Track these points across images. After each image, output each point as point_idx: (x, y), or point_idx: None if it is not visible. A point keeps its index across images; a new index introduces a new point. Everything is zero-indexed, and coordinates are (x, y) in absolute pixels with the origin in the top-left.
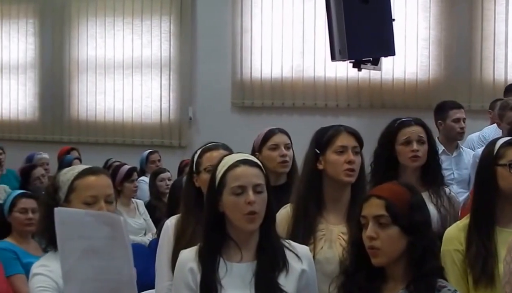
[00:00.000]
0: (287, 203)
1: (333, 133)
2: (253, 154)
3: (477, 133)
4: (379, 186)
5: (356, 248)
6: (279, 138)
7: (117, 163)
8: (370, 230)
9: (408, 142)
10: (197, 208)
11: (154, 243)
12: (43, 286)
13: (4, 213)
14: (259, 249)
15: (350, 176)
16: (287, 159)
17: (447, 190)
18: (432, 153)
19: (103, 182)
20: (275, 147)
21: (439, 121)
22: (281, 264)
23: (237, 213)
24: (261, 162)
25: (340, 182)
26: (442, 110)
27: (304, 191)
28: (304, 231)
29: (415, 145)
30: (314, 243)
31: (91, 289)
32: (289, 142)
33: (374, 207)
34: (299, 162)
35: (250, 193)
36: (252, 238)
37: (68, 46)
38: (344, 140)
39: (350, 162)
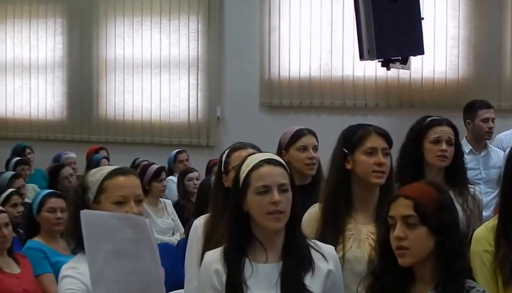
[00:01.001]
0: (311, 203)
1: (363, 134)
2: (279, 151)
3: (506, 132)
4: (407, 186)
5: (384, 248)
6: (308, 140)
7: (145, 162)
8: (398, 230)
9: (438, 141)
10: (226, 207)
11: (182, 243)
12: (73, 289)
13: (33, 212)
14: (285, 249)
15: (379, 177)
16: (314, 161)
17: (471, 189)
18: (458, 154)
19: (133, 182)
20: (304, 149)
21: (468, 120)
22: (307, 264)
23: (262, 213)
24: (287, 161)
25: (368, 183)
26: (471, 109)
27: (332, 190)
28: (333, 230)
29: (444, 145)
30: (343, 242)
31: (119, 291)
32: (317, 144)
33: (402, 207)
34: (328, 161)
35: (275, 192)
36: (277, 238)
37: (96, 46)
38: (374, 141)
39: (380, 164)
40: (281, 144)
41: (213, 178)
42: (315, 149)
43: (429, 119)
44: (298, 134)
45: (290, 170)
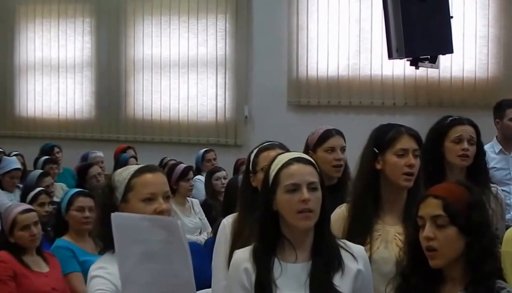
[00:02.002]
0: (336, 204)
1: (395, 135)
2: (306, 152)
3: None
4: (436, 186)
5: (413, 249)
6: (336, 141)
7: (172, 162)
8: (427, 231)
9: (459, 140)
10: (254, 207)
11: (210, 242)
12: (102, 289)
13: (61, 211)
14: (314, 249)
15: (408, 180)
16: (342, 163)
17: (493, 189)
18: (480, 153)
19: (160, 179)
20: (331, 150)
21: (497, 120)
22: (337, 264)
23: (291, 211)
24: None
25: (398, 185)
26: (499, 109)
27: (361, 190)
28: (361, 231)
29: (465, 144)
30: (370, 243)
31: None
32: (344, 144)
33: (431, 207)
34: (356, 161)
35: (304, 190)
36: (306, 238)
37: (124, 45)
38: (405, 143)
39: (410, 166)
40: (309, 145)
41: (240, 177)
42: (343, 150)
43: (450, 118)
44: (326, 135)
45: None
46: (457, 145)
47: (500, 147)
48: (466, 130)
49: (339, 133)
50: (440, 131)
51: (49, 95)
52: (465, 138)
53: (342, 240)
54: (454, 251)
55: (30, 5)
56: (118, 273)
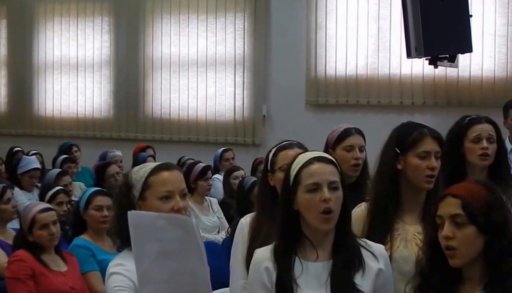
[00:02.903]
0: (356, 202)
1: (418, 136)
2: (325, 150)
3: None
4: (455, 185)
5: (432, 248)
6: (355, 140)
7: (190, 161)
8: (446, 230)
9: (478, 140)
10: (272, 206)
11: (228, 241)
12: (121, 286)
13: (79, 210)
14: (335, 248)
15: (430, 182)
16: (360, 162)
17: None
18: (501, 151)
19: (177, 177)
20: (350, 149)
21: (504, 120)
22: (357, 263)
23: (312, 211)
24: None
25: (419, 187)
26: (505, 109)
27: (381, 189)
28: (380, 230)
29: (485, 143)
30: (390, 242)
31: (166, 291)
32: (364, 144)
33: (450, 206)
34: (375, 160)
35: (325, 190)
36: (327, 237)
37: (142, 44)
38: (428, 145)
39: (432, 169)
40: (328, 143)
41: (249, 178)
42: (361, 149)
43: (468, 118)
44: (345, 134)
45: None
46: (476, 144)
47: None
48: (484, 128)
49: (359, 132)
50: (459, 132)
51: (67, 94)
52: (484, 137)
53: (362, 239)
54: (473, 250)
55: (49, 4)
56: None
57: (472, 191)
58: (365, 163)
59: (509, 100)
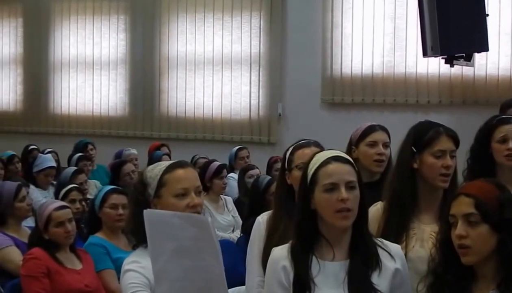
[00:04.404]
0: (380, 201)
1: (434, 135)
2: (349, 147)
3: None
4: (467, 184)
5: (445, 247)
6: (378, 135)
7: (203, 159)
8: (459, 229)
9: (504, 140)
10: (289, 205)
11: (242, 240)
12: (135, 283)
13: (95, 208)
14: (352, 247)
15: (445, 181)
16: (384, 158)
17: None
18: None
19: (192, 174)
20: (373, 144)
21: None
22: (374, 263)
23: (330, 210)
24: (356, 158)
25: (434, 186)
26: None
27: (398, 189)
28: (397, 229)
29: (510, 144)
30: (406, 241)
31: (182, 289)
32: (388, 141)
33: (463, 205)
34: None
35: (343, 189)
36: (344, 236)
37: (158, 42)
38: (444, 144)
39: (447, 167)
40: (352, 140)
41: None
42: (386, 145)
43: (496, 118)
44: (369, 130)
45: (358, 167)
46: (502, 145)
47: None
48: (511, 129)
49: (383, 129)
50: (486, 132)
51: (83, 93)
52: (510, 138)
53: (379, 239)
54: (486, 248)
55: (65, 3)
56: (151, 267)
57: (484, 189)
58: (389, 160)
59: (506, 100)
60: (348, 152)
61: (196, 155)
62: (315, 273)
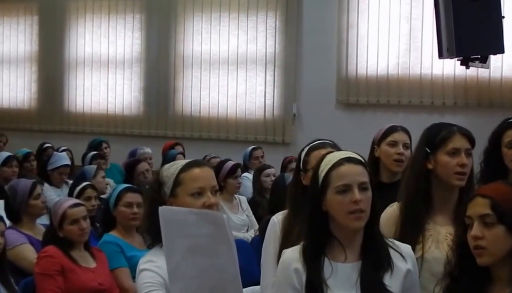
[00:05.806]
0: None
1: (447, 134)
2: (372, 147)
3: None
4: (484, 185)
5: (461, 249)
6: (399, 136)
7: (215, 159)
8: (475, 230)
9: (511, 145)
10: (304, 206)
11: (257, 240)
12: (151, 282)
13: (109, 207)
14: (364, 248)
15: (461, 179)
16: (403, 158)
17: None
18: None
19: (208, 173)
20: (393, 144)
21: None
22: (386, 264)
23: (343, 212)
24: (377, 157)
25: (449, 185)
26: None
27: (413, 190)
28: (412, 230)
29: None
30: (422, 242)
31: (196, 287)
32: (409, 142)
33: (479, 207)
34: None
35: (356, 191)
36: (356, 238)
37: (173, 42)
38: (457, 142)
39: (462, 165)
40: (374, 140)
41: (286, 175)
42: (406, 146)
43: (507, 122)
44: (390, 130)
45: (380, 167)
46: (510, 150)
47: None
48: None
49: (404, 130)
50: (498, 135)
51: (98, 91)
52: None
53: (390, 240)
54: (502, 250)
55: (80, 1)
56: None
57: (501, 191)
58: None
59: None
60: (371, 151)
61: (207, 155)
62: (327, 275)
